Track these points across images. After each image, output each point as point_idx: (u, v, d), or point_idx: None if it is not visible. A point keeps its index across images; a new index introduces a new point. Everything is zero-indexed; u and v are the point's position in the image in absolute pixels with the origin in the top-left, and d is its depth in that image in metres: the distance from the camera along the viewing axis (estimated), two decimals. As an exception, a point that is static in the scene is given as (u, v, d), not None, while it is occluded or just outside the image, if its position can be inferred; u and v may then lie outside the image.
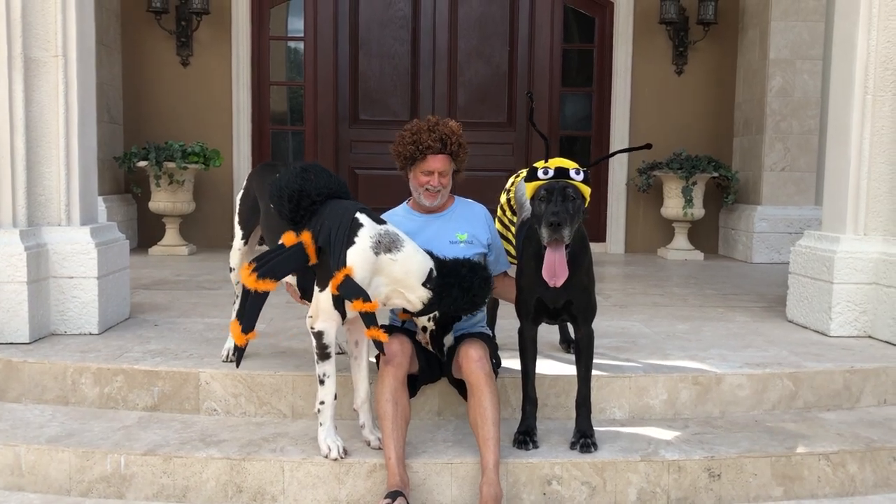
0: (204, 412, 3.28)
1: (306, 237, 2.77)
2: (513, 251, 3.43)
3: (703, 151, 7.59)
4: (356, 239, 2.72)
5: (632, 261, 7.35)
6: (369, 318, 2.69)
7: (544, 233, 2.70)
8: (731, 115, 7.87)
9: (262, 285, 2.72)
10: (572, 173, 2.78)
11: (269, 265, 2.76)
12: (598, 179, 7.96)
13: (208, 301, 4.82)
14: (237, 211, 3.44)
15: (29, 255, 3.66)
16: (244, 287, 2.79)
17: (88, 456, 2.88)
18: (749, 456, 2.95)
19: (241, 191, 3.44)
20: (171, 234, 7.21)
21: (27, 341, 3.64)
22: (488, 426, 2.72)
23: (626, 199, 7.90)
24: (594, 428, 2.99)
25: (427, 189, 3.07)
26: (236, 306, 3.49)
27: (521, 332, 3.04)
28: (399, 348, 2.83)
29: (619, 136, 7.85)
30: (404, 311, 3.01)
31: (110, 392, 3.33)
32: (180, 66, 7.59)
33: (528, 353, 3.02)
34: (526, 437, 2.95)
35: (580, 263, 2.87)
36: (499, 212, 3.55)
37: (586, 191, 2.81)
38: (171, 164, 6.85)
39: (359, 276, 2.68)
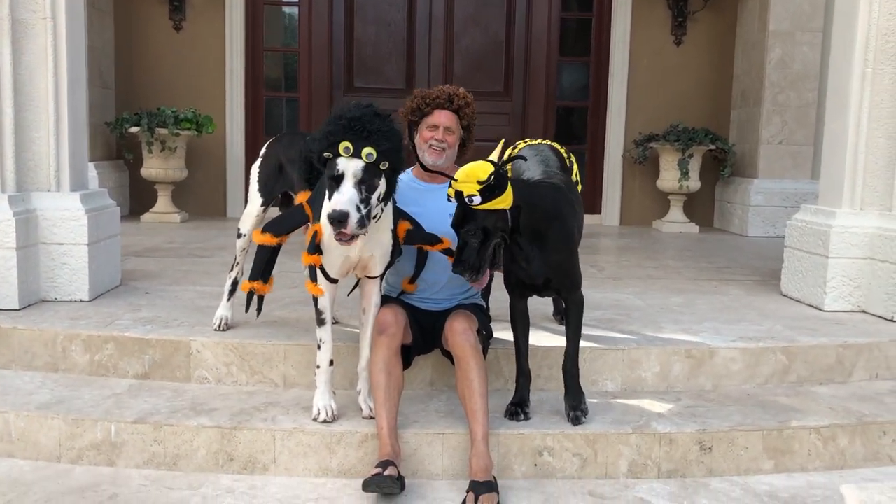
0: (195, 381, 3.26)
1: (302, 197, 2.79)
2: None
3: (701, 123, 7.54)
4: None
5: (627, 233, 7.33)
6: None
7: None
8: (729, 88, 7.81)
9: (263, 238, 2.88)
10: (475, 200, 2.55)
11: (272, 222, 2.91)
12: (594, 151, 7.93)
13: (200, 269, 4.78)
14: (255, 178, 3.44)
15: (18, 220, 3.61)
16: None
17: (79, 423, 2.87)
18: (740, 429, 2.95)
19: (259, 159, 3.46)
20: (163, 201, 7.16)
21: (17, 308, 3.61)
22: (475, 398, 2.71)
23: (621, 171, 7.86)
24: (586, 398, 2.99)
25: (431, 145, 3.03)
26: (233, 273, 3.49)
27: (511, 305, 3.03)
28: (393, 318, 2.82)
29: (617, 106, 7.79)
30: (410, 281, 3.02)
31: (101, 359, 3.31)
32: (173, 31, 7.48)
33: (519, 325, 3.01)
34: (518, 408, 2.94)
35: (547, 241, 2.80)
36: None
37: (502, 202, 2.60)
38: (163, 130, 6.78)
39: (328, 228, 2.62)
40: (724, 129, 7.77)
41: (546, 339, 3.43)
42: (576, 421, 2.91)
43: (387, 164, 2.53)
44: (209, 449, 2.83)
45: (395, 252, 2.87)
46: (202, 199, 7.53)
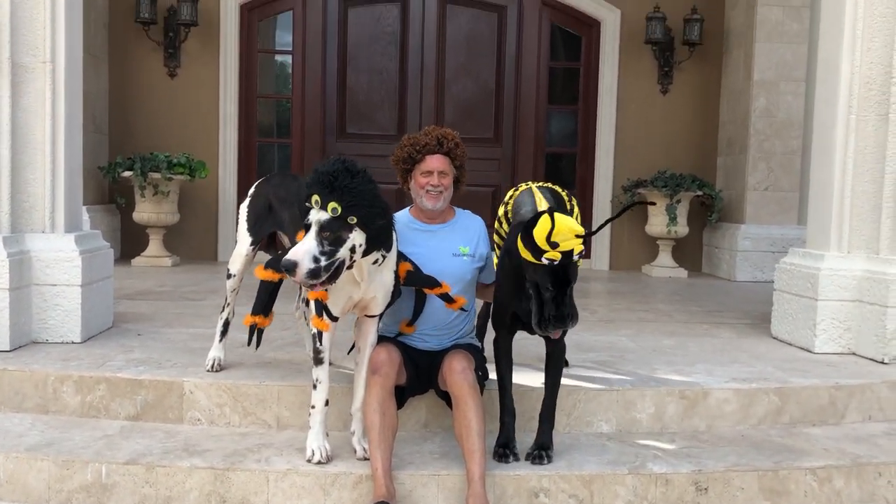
0: (188, 422, 3.24)
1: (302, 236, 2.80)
2: None
3: (688, 170, 7.64)
4: None
5: (616, 277, 7.37)
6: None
7: (542, 326, 2.65)
8: (715, 135, 7.95)
9: (265, 274, 2.96)
10: (581, 253, 2.65)
11: (275, 258, 3.01)
12: (583, 196, 8.00)
13: (192, 311, 4.77)
14: (244, 218, 3.45)
15: (11, 261, 3.61)
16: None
17: (69, 465, 2.84)
18: (736, 470, 2.95)
19: (248, 199, 3.48)
20: (155, 245, 7.16)
21: (7, 349, 3.58)
22: (473, 438, 2.70)
23: (610, 217, 7.91)
24: (581, 439, 2.99)
25: (428, 191, 3.06)
26: (224, 314, 3.49)
27: (496, 342, 3.04)
28: (387, 358, 2.82)
29: (605, 153, 7.90)
30: (408, 323, 3.03)
31: (92, 401, 3.28)
32: (168, 78, 7.57)
33: (503, 362, 3.02)
34: (505, 449, 2.93)
35: None
36: (496, 224, 3.55)
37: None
38: (155, 175, 6.82)
39: None
40: (710, 175, 7.88)
41: (537, 380, 3.40)
42: (538, 460, 2.89)
43: (354, 219, 2.57)
44: (202, 490, 2.80)
45: (396, 293, 2.88)
46: (194, 243, 7.54)
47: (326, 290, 2.73)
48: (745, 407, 3.41)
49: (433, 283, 2.90)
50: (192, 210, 7.45)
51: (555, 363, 2.99)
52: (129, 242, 7.48)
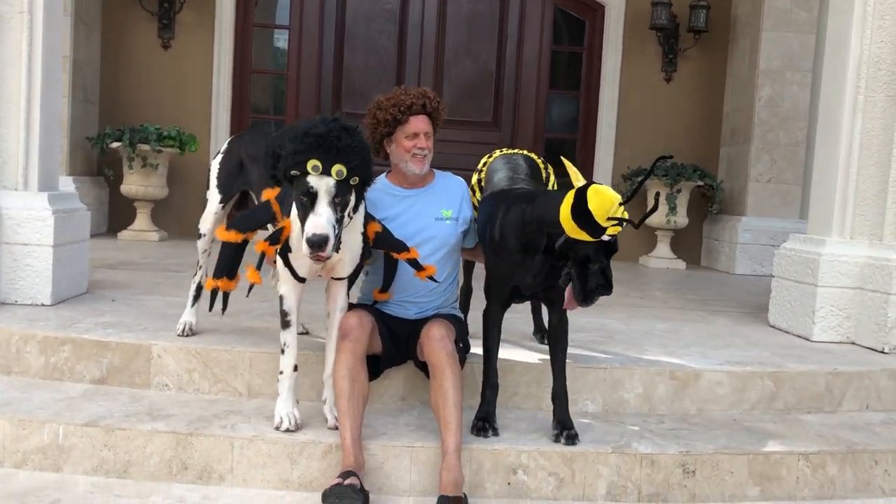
0: (155, 387, 3.10)
1: (271, 194, 2.66)
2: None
3: (690, 160, 7.48)
4: None
5: (613, 267, 7.19)
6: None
7: (586, 295, 2.59)
8: (718, 125, 7.79)
9: (227, 236, 2.72)
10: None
11: (237, 219, 2.78)
12: (582, 184, 7.85)
13: (172, 282, 4.62)
14: (215, 175, 3.32)
15: (-20, 217, 3.48)
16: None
17: (25, 424, 2.70)
18: (726, 452, 2.81)
19: (220, 155, 3.34)
20: (143, 219, 7.01)
21: (-27, 308, 3.45)
22: (450, 408, 2.56)
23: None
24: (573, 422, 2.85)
25: (415, 154, 2.90)
26: (196, 278, 3.36)
27: (487, 313, 2.91)
28: (357, 323, 2.68)
29: (605, 140, 7.75)
30: (381, 290, 2.89)
31: (56, 362, 3.14)
32: (161, 49, 7.40)
33: (494, 335, 2.89)
34: (485, 423, 2.79)
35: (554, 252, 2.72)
36: (468, 192, 3.40)
37: None
38: (144, 147, 6.67)
39: (299, 225, 2.49)
40: (713, 166, 7.73)
41: (525, 355, 3.30)
42: (570, 440, 2.75)
43: (357, 179, 2.43)
44: (162, 456, 2.66)
45: (365, 253, 2.74)
46: (182, 218, 7.37)
47: (288, 250, 2.59)
48: (739, 391, 3.27)
49: (401, 247, 2.75)
50: (182, 185, 7.29)
51: (562, 335, 2.88)
52: (117, 216, 7.33)
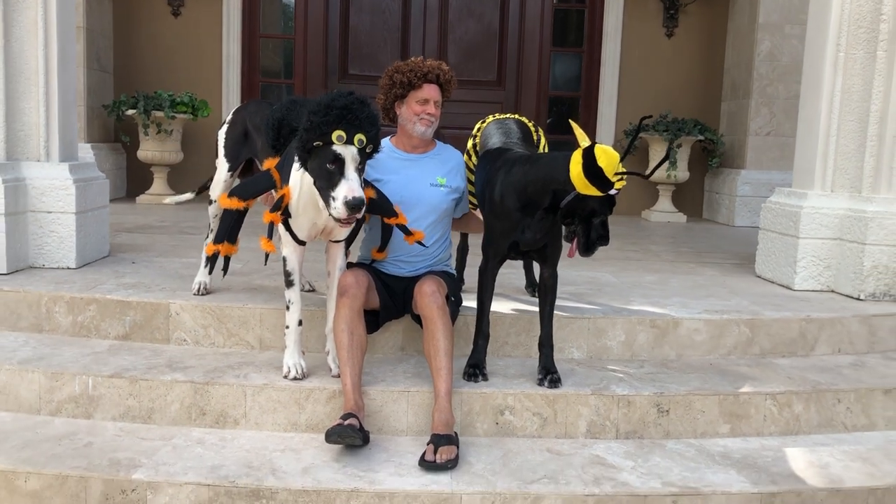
0: (174, 342, 3.37)
1: (271, 163, 2.88)
2: (474, 199, 3.48)
3: (692, 115, 7.62)
4: (297, 159, 2.80)
5: (614, 221, 7.29)
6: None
7: (588, 246, 2.82)
8: (720, 79, 7.89)
9: (229, 203, 2.95)
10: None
11: (238, 186, 3.00)
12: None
13: (188, 244, 4.89)
14: (222, 144, 3.54)
15: (7, 188, 3.72)
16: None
17: (58, 377, 2.98)
18: (697, 393, 3.05)
19: (226, 125, 3.55)
20: (159, 184, 7.27)
21: (4, 272, 3.72)
22: (440, 356, 2.81)
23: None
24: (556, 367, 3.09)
25: (422, 118, 3.13)
26: (209, 239, 3.60)
27: (483, 269, 3.13)
28: (354, 281, 2.92)
29: (608, 96, 7.88)
30: (378, 250, 3.12)
31: (83, 321, 3.41)
32: (171, 16, 7.59)
33: (489, 288, 3.12)
34: (475, 369, 3.04)
35: (550, 211, 2.97)
36: (465, 158, 3.61)
37: None
38: (159, 113, 6.89)
39: (298, 193, 2.76)
40: (714, 120, 7.85)
41: (513, 307, 3.53)
42: (553, 384, 3.01)
43: (371, 147, 2.65)
44: (182, 403, 2.94)
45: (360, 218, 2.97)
46: (197, 181, 7.60)
47: (288, 215, 2.83)
48: (716, 337, 3.50)
49: (391, 212, 2.96)
50: (196, 149, 7.53)
51: (551, 289, 3.11)
52: (134, 181, 7.61)
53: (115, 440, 2.79)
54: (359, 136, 2.58)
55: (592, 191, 2.72)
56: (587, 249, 2.84)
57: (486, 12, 7.90)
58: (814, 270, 4.18)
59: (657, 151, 7.42)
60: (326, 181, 2.62)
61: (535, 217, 2.98)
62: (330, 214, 2.64)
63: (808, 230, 4.17)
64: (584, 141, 2.79)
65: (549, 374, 3.03)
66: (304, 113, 2.81)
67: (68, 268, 3.94)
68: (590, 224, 2.81)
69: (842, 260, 4.12)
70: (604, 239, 2.84)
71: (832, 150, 4.18)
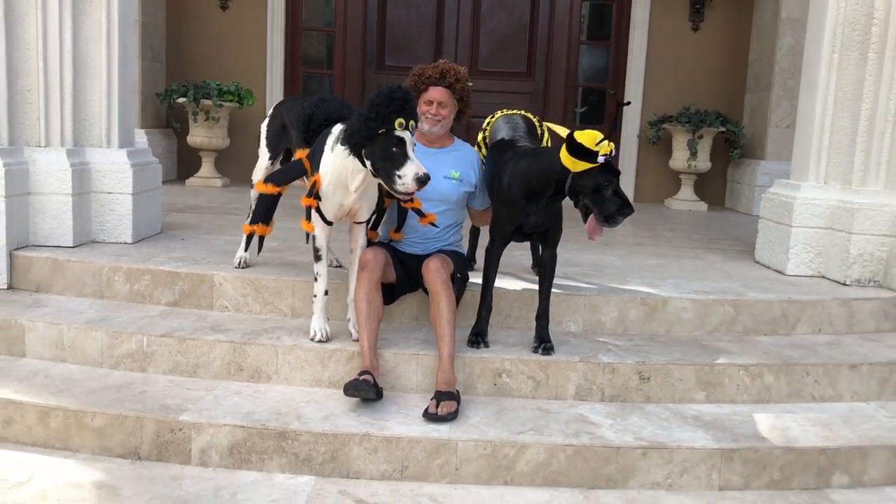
0: (217, 308, 3.83)
1: (302, 153, 3.32)
2: None
3: (716, 107, 7.88)
4: (325, 147, 3.23)
5: (637, 209, 7.66)
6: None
7: (608, 218, 3.15)
8: (744, 73, 8.12)
9: (265, 188, 3.45)
10: (613, 151, 3.15)
11: (273, 174, 3.47)
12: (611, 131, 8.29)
13: (233, 224, 5.35)
14: (264, 135, 4.01)
15: (73, 171, 4.22)
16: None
17: (117, 335, 3.46)
18: (676, 363, 3.41)
19: (267, 119, 4.02)
20: (207, 167, 7.79)
21: (71, 245, 4.21)
22: (444, 324, 3.22)
23: (637, 150, 8.24)
24: (551, 337, 3.48)
25: (427, 117, 3.53)
26: (248, 220, 4.05)
27: (490, 249, 3.52)
28: (373, 257, 3.33)
29: (634, 88, 8.17)
30: (395, 230, 3.53)
31: (139, 289, 3.89)
32: (219, 10, 8.08)
33: (494, 266, 3.51)
34: (478, 337, 3.44)
35: (556, 197, 3.35)
36: (475, 149, 3.99)
37: None
38: (207, 102, 7.39)
39: (329, 179, 3.19)
40: (738, 112, 8.09)
41: (518, 284, 3.92)
42: (546, 351, 3.39)
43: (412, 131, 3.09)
44: (223, 360, 3.40)
45: (380, 202, 3.39)
46: (242, 166, 8.11)
47: (318, 199, 3.25)
48: (702, 315, 3.84)
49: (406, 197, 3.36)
50: (242, 135, 8.03)
51: (550, 268, 3.49)
52: (184, 164, 8.14)
53: (166, 390, 3.26)
54: (412, 122, 3.03)
55: (583, 164, 3.10)
56: (607, 219, 3.17)
57: (517, 5, 8.23)
58: (805, 257, 4.49)
59: (679, 142, 7.70)
60: (391, 162, 3.01)
61: (538, 204, 3.36)
62: (394, 190, 3.04)
63: (801, 219, 4.46)
64: (563, 132, 3.17)
65: (542, 342, 3.42)
66: (331, 108, 3.26)
67: (125, 242, 4.43)
68: (601, 197, 3.15)
69: (831, 248, 4.42)
70: (624, 207, 3.16)
71: (826, 144, 4.46)
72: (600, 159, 3.10)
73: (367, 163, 3.06)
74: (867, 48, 4.30)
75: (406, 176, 2.97)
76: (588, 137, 3.08)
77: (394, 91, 3.01)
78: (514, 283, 3.95)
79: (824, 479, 3.04)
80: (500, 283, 3.88)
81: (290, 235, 4.81)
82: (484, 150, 3.87)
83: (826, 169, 4.49)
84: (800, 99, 4.73)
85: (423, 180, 2.96)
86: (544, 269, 3.51)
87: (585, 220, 3.24)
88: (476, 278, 3.76)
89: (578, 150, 3.08)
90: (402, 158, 2.98)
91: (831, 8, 4.38)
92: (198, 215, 5.70)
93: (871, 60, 4.29)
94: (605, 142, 3.09)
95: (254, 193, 4.02)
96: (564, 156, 3.12)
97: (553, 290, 3.65)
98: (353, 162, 3.11)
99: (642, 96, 8.16)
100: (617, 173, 3.20)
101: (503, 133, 3.70)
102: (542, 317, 3.49)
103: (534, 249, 4.29)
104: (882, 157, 4.29)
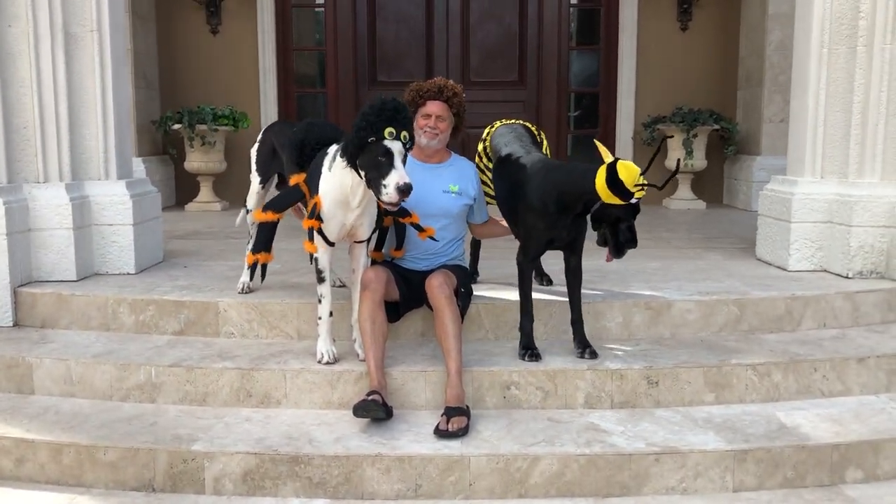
0: (223, 335, 3.84)
1: (298, 178, 3.34)
2: (491, 191, 3.89)
3: (709, 105, 7.90)
4: (322, 168, 3.25)
5: (636, 211, 7.72)
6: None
7: (616, 248, 3.34)
8: (735, 70, 8.15)
9: (265, 216, 3.46)
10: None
11: (271, 201, 3.47)
12: (606, 134, 8.34)
13: (233, 248, 5.37)
14: (254, 160, 4.03)
15: (73, 205, 4.23)
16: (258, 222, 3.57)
17: (125, 368, 3.47)
18: (684, 366, 3.42)
19: (256, 144, 4.05)
20: (205, 192, 7.82)
21: (74, 279, 4.23)
22: (449, 339, 3.22)
23: (632, 153, 8.25)
24: (552, 346, 3.52)
25: (425, 130, 3.56)
26: (249, 246, 4.07)
27: (522, 265, 3.55)
28: (374, 276, 3.34)
29: (626, 92, 8.20)
30: (395, 249, 3.55)
31: (144, 319, 3.90)
32: (210, 35, 8.13)
33: (528, 278, 3.56)
34: (528, 350, 3.47)
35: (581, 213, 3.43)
36: (476, 159, 4.02)
37: None
38: (202, 127, 7.42)
39: (329, 199, 3.21)
40: (731, 109, 8.11)
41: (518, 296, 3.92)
42: (592, 355, 3.45)
43: (410, 143, 3.11)
44: (231, 387, 3.40)
45: (379, 220, 3.40)
46: (241, 189, 7.99)
47: (320, 220, 3.26)
48: (707, 316, 3.85)
49: (405, 213, 3.38)
50: (238, 158, 8.02)
51: (578, 274, 3.58)
52: (183, 190, 8.17)
53: (176, 420, 3.27)
54: (404, 133, 3.04)
55: (615, 200, 3.17)
56: (616, 251, 3.35)
57: (505, 15, 8.27)
58: (806, 252, 4.50)
59: (674, 142, 7.71)
60: (377, 171, 3.02)
61: (569, 218, 3.43)
62: (380, 200, 3.05)
63: (800, 215, 4.48)
64: (607, 157, 3.20)
65: (586, 347, 3.48)
66: (321, 133, 3.31)
67: (128, 273, 4.44)
68: (617, 228, 3.29)
69: (832, 241, 4.43)
70: (631, 242, 3.34)
71: (820, 139, 4.48)
72: (633, 200, 3.18)
73: (362, 173, 3.08)
74: (856, 42, 4.32)
75: (388, 185, 2.98)
76: (629, 175, 3.12)
77: (385, 102, 3.04)
78: (515, 294, 3.94)
79: (838, 474, 3.04)
80: (502, 294, 3.92)
81: (291, 257, 4.82)
82: (485, 159, 3.89)
83: (822, 163, 4.50)
84: (792, 95, 4.75)
85: (403, 189, 2.96)
86: (573, 276, 3.57)
87: (604, 244, 3.38)
88: (479, 291, 3.78)
89: (616, 185, 3.12)
90: (388, 168, 2.99)
91: (817, 4, 4.41)
92: (199, 241, 5.72)
93: (861, 54, 4.31)
94: (642, 185, 3.14)
95: (249, 219, 4.03)
96: (601, 185, 3.16)
97: (556, 298, 3.66)
98: (353, 176, 3.14)
99: (635, 98, 8.19)
100: (637, 212, 3.31)
101: (510, 143, 3.74)
102: (578, 322, 3.55)
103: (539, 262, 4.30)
104: (877, 149, 4.31)
